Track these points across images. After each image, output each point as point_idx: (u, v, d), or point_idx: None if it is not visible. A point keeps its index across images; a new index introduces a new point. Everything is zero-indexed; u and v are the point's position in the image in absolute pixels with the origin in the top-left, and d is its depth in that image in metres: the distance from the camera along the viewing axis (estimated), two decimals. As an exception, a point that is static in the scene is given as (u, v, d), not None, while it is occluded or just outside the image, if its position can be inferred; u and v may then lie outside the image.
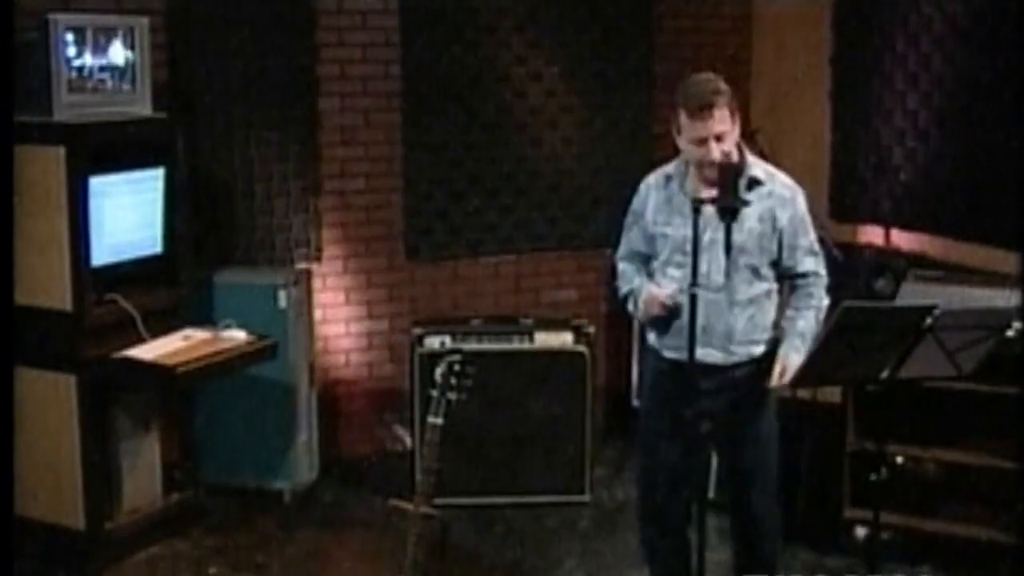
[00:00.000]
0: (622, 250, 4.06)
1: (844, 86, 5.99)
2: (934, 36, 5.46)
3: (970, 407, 4.72)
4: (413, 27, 5.88)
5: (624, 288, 4.00)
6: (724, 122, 3.68)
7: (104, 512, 4.82)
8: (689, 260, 3.58)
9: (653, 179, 3.97)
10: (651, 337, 4.00)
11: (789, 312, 3.91)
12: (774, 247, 3.84)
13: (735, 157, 3.75)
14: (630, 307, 3.98)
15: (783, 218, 3.83)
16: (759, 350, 3.86)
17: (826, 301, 3.92)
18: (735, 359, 3.84)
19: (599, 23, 6.25)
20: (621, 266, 4.06)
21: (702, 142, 3.69)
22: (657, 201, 3.89)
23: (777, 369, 3.76)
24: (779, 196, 3.84)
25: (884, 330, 3.49)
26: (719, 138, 3.68)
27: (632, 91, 6.37)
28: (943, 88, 5.43)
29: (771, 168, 3.91)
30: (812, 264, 3.91)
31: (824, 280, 3.94)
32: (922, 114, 5.55)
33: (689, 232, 3.56)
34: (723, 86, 3.73)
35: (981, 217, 5.20)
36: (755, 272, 3.83)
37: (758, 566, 4.01)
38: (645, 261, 3.99)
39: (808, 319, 3.86)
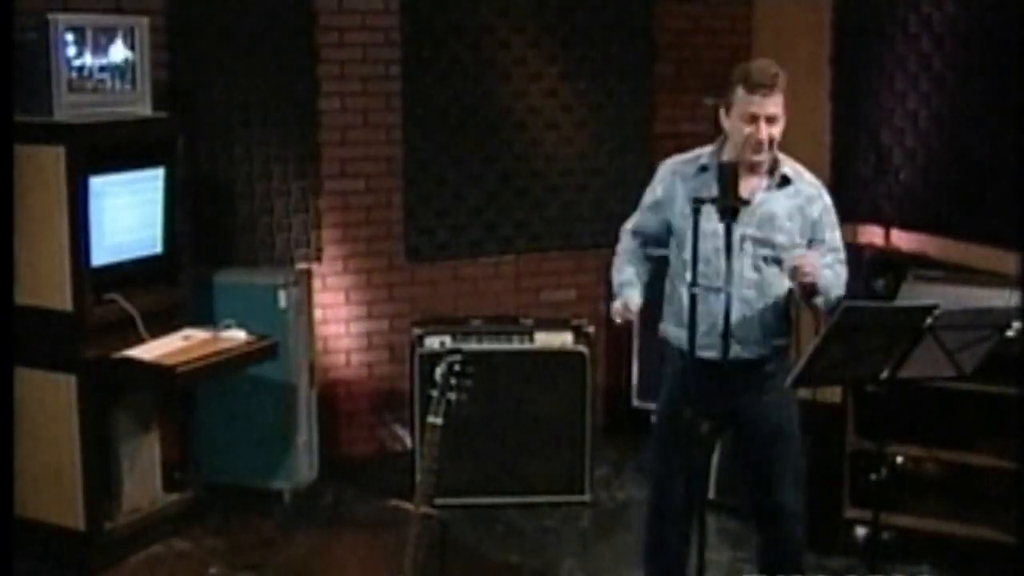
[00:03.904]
0: (633, 223, 4.07)
1: (844, 86, 5.98)
2: (934, 36, 5.46)
3: (970, 407, 4.72)
4: (413, 27, 5.88)
5: (617, 278, 4.02)
6: (778, 107, 3.73)
7: (104, 512, 4.82)
8: (716, 257, 3.60)
9: (679, 166, 3.94)
10: (674, 336, 3.95)
11: None
12: (805, 243, 3.86)
13: (775, 152, 3.80)
14: (614, 295, 4.02)
15: (813, 213, 3.86)
16: (783, 342, 3.92)
17: (844, 285, 3.90)
18: (768, 352, 3.87)
19: (599, 23, 6.24)
20: (625, 240, 4.06)
21: (753, 119, 3.71)
22: (687, 192, 3.83)
23: (803, 260, 3.71)
24: (806, 194, 3.87)
25: (884, 330, 3.49)
26: (771, 121, 3.72)
27: (632, 91, 6.37)
28: (943, 88, 5.43)
29: (798, 166, 3.92)
30: (831, 258, 3.90)
31: (844, 271, 3.92)
32: (922, 114, 5.55)
33: (720, 227, 3.54)
34: (783, 73, 3.77)
35: (981, 217, 5.19)
36: (781, 267, 3.83)
37: (788, 560, 4.01)
38: (651, 241, 4.01)
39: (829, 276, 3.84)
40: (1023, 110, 4.94)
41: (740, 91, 3.73)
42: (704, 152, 3.91)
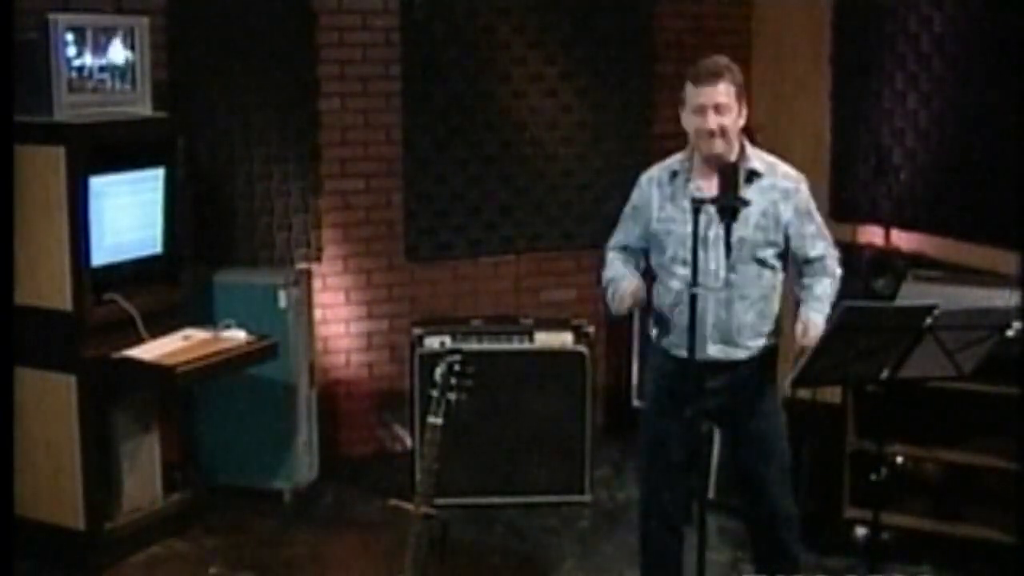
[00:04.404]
0: (614, 241, 4.07)
1: (844, 86, 5.99)
2: (934, 36, 5.46)
3: (970, 407, 4.72)
4: (413, 27, 5.88)
5: (606, 276, 4.00)
6: (727, 96, 3.73)
7: (104, 512, 4.82)
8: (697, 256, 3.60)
9: (656, 173, 3.97)
10: (656, 336, 4.00)
11: (805, 281, 3.91)
12: (780, 239, 3.85)
13: (735, 146, 3.78)
14: (608, 296, 3.98)
15: (787, 211, 3.84)
16: (765, 343, 3.90)
17: (840, 272, 3.93)
18: (746, 354, 3.86)
19: (599, 23, 6.24)
20: (610, 256, 4.06)
21: (701, 110, 3.73)
22: (661, 197, 3.89)
23: (799, 328, 3.76)
24: (781, 189, 3.85)
25: (884, 330, 3.49)
26: (718, 110, 3.71)
27: (632, 91, 6.37)
28: (943, 88, 5.43)
29: (772, 159, 3.90)
30: (822, 247, 3.92)
31: (836, 255, 3.95)
32: (922, 114, 5.55)
33: (700, 228, 3.54)
34: (735, 67, 3.78)
35: (981, 217, 5.19)
36: (763, 264, 3.84)
37: (786, 562, 4.01)
38: (636, 255, 4.00)
39: (824, 285, 3.88)
40: (1023, 110, 4.94)
41: (689, 86, 3.77)
42: (676, 159, 3.94)
